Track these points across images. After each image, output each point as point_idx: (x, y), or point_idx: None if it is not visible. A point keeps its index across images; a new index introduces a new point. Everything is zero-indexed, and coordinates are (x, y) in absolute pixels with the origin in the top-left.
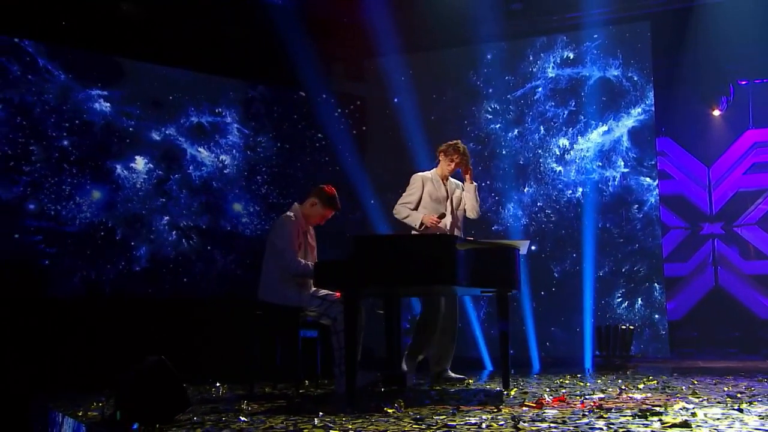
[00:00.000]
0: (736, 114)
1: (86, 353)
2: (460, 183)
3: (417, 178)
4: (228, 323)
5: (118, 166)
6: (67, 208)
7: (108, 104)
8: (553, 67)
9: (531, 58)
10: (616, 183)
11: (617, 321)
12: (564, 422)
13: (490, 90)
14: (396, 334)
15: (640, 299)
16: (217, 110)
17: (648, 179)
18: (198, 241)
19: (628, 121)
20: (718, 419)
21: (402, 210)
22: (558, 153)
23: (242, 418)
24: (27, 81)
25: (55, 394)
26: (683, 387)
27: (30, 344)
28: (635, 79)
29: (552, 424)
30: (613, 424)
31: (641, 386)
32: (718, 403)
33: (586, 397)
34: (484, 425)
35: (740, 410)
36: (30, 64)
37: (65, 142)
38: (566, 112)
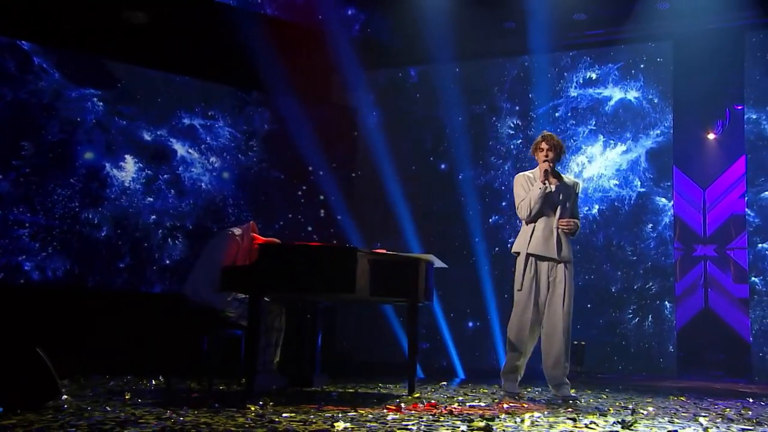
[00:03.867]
0: (733, 138)
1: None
2: (573, 181)
3: (519, 177)
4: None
5: (107, 165)
6: (54, 203)
7: (101, 104)
8: (575, 87)
9: (554, 77)
10: (632, 202)
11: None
12: (387, 422)
13: (516, 107)
14: (310, 338)
15: (650, 316)
16: (209, 113)
17: (663, 199)
18: (184, 241)
19: (647, 142)
20: (535, 425)
21: (523, 205)
22: (576, 170)
23: (107, 408)
24: (21, 79)
25: None
26: (582, 400)
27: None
28: (656, 101)
29: (370, 423)
30: (431, 425)
31: (538, 398)
32: (576, 414)
33: (463, 403)
34: (307, 422)
35: (573, 420)
36: (25, 62)
37: (56, 139)
38: (586, 131)
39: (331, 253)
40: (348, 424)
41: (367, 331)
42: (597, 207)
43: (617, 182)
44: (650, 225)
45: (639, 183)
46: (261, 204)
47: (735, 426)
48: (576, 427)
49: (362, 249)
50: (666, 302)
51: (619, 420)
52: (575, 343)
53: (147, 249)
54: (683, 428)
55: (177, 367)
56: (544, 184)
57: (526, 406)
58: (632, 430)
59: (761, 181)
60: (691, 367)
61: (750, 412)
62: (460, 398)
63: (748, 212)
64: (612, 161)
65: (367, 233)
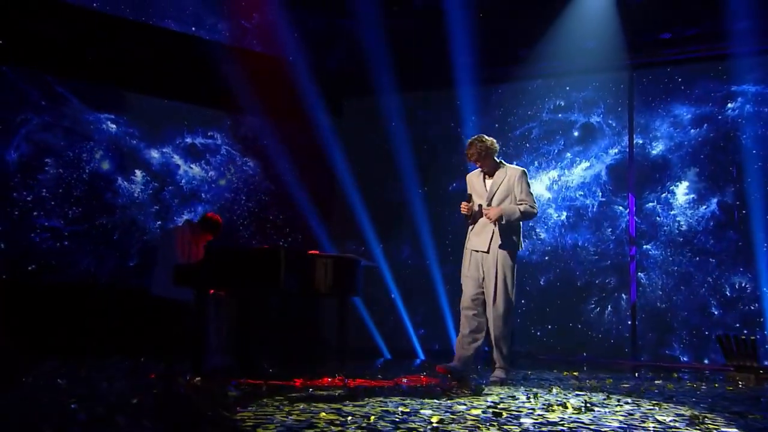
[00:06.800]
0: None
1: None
2: (513, 171)
3: (467, 178)
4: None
5: (119, 178)
6: (73, 212)
7: (114, 126)
8: (546, 112)
9: (528, 103)
10: (594, 209)
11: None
12: (281, 393)
13: (496, 128)
14: (259, 325)
15: (609, 306)
16: (208, 133)
17: (620, 207)
18: None
19: (607, 159)
20: (413, 397)
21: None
22: (548, 182)
23: (59, 381)
24: (44, 105)
25: None
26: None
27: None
28: (614, 124)
29: (269, 393)
30: (312, 394)
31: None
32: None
33: (380, 378)
34: (208, 390)
35: (440, 389)
36: (48, 91)
37: (74, 156)
38: (556, 150)
39: (259, 254)
40: (236, 393)
41: (351, 321)
42: (565, 214)
43: (582, 193)
44: (609, 229)
45: (600, 193)
46: (252, 212)
47: (579, 392)
48: (438, 396)
49: (287, 250)
50: (623, 294)
51: (474, 386)
52: None
53: (152, 251)
54: (524, 394)
55: (155, 349)
56: (468, 218)
57: (425, 381)
58: (480, 395)
59: (646, 193)
60: (633, 350)
61: (608, 384)
62: (379, 375)
63: (636, 219)
64: (577, 175)
65: (345, 241)
